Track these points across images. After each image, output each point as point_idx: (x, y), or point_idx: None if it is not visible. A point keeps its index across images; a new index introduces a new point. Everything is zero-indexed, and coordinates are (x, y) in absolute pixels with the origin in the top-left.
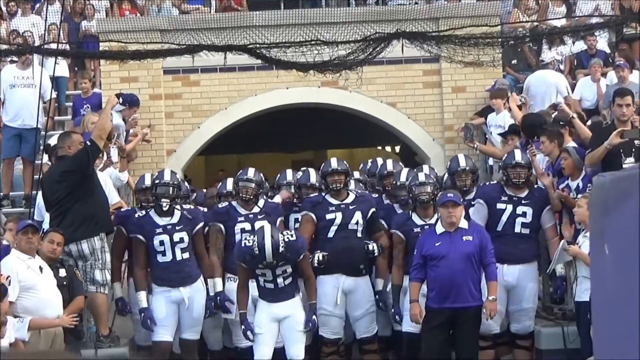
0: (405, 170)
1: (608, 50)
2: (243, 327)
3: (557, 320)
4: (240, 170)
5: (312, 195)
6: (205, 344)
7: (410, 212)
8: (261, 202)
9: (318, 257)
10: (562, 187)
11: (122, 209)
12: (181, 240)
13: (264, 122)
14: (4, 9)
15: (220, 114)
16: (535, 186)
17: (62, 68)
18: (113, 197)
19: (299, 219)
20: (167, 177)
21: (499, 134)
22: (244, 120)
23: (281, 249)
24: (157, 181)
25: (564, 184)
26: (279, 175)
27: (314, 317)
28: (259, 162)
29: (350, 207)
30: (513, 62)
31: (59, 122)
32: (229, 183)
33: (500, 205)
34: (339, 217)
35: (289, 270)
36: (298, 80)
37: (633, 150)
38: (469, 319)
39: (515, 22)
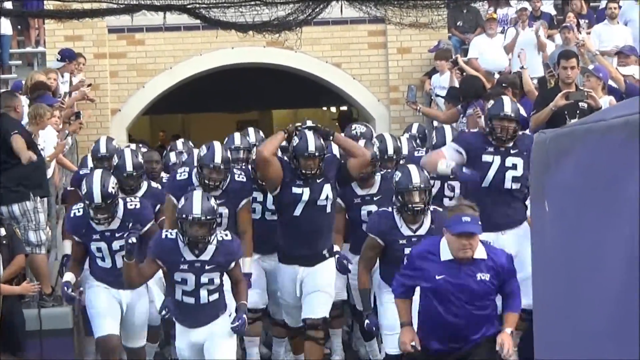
0: (390, 141)
1: (554, 12)
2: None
3: None
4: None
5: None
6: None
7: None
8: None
9: None
10: None
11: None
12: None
13: (209, 82)
14: None
15: (165, 73)
16: (520, 133)
17: (5, 26)
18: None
19: None
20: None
21: (440, 96)
22: (189, 79)
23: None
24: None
25: None
26: (226, 139)
27: (244, 316)
28: (203, 122)
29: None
30: (458, 23)
31: (3, 81)
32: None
33: (486, 158)
34: (306, 193)
35: (217, 280)
36: (243, 40)
37: (577, 112)
38: (480, 354)
39: None
